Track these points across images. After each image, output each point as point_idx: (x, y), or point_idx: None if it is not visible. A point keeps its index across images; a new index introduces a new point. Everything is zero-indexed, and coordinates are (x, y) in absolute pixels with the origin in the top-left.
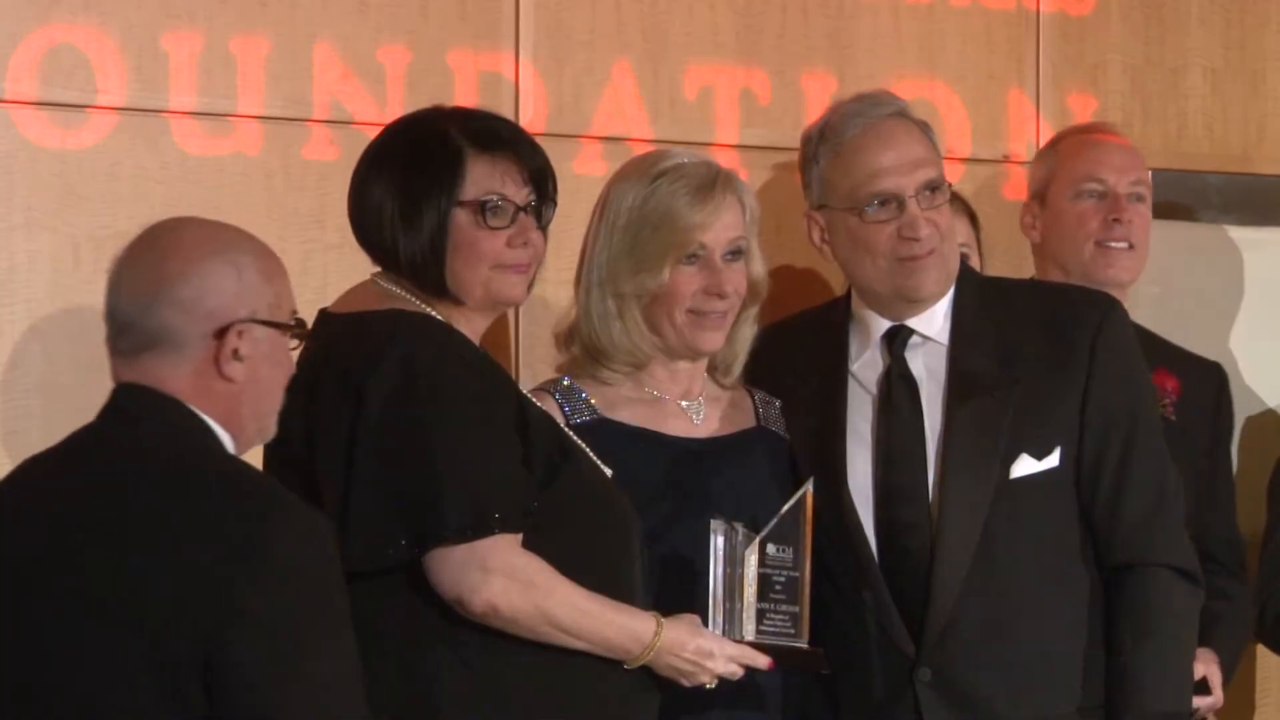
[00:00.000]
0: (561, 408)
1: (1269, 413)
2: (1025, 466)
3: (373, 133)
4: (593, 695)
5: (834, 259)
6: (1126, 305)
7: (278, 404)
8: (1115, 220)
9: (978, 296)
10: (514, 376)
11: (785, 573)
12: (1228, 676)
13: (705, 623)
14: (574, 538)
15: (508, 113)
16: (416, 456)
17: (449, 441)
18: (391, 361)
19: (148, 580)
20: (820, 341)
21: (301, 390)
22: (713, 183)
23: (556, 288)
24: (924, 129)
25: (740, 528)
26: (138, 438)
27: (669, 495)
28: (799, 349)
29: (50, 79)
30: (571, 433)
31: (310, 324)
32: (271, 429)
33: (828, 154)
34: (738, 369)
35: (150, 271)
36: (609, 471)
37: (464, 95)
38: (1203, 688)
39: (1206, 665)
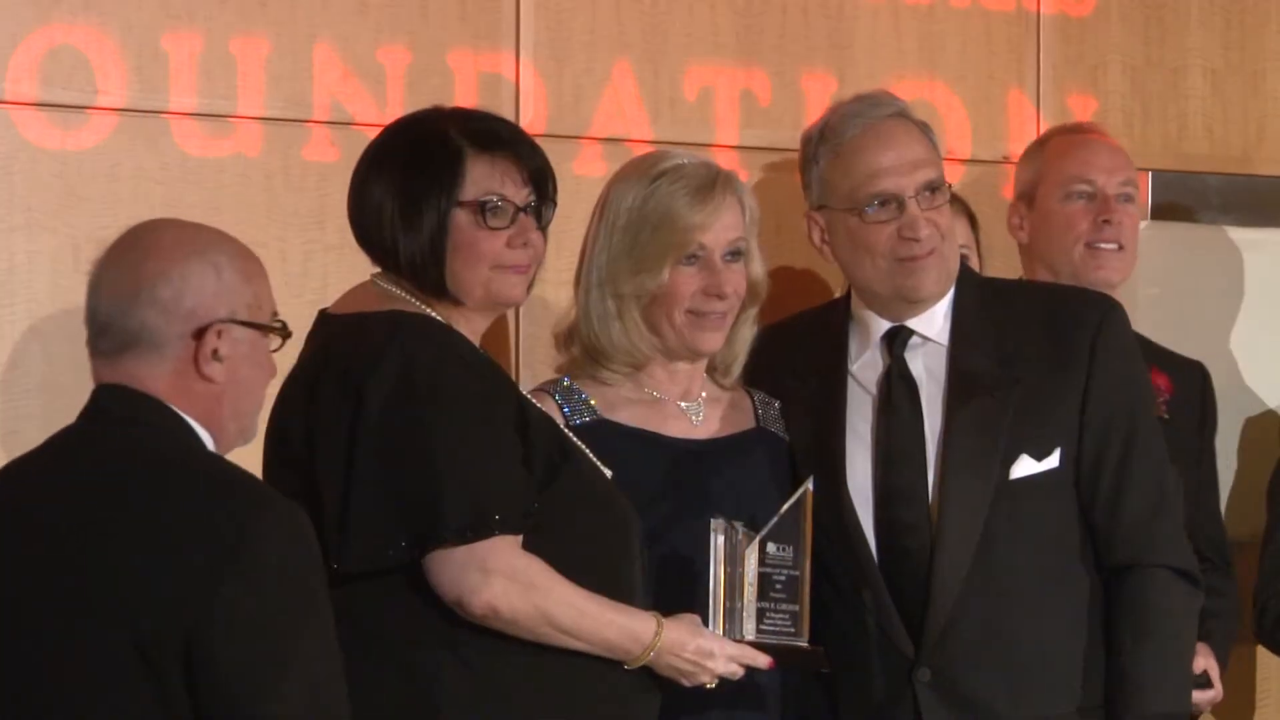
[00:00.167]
0: (561, 408)
1: (1269, 413)
2: (1025, 467)
3: (373, 133)
4: (593, 695)
5: (834, 259)
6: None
7: (259, 404)
8: (1105, 222)
9: (978, 297)
10: (514, 377)
11: (785, 572)
12: (1221, 672)
13: (705, 622)
14: (574, 538)
15: (508, 113)
16: (416, 457)
17: (449, 442)
18: (391, 362)
19: (135, 579)
20: (820, 342)
21: (301, 390)
22: (712, 183)
23: (556, 288)
24: (924, 129)
25: (740, 527)
26: (121, 438)
27: (668, 496)
28: (798, 349)
29: (50, 80)
30: (571, 433)
31: (310, 324)
32: (253, 430)
33: (828, 154)
34: (737, 370)
35: (130, 272)
36: (609, 472)
37: (464, 96)
38: (1203, 682)
39: (1206, 659)
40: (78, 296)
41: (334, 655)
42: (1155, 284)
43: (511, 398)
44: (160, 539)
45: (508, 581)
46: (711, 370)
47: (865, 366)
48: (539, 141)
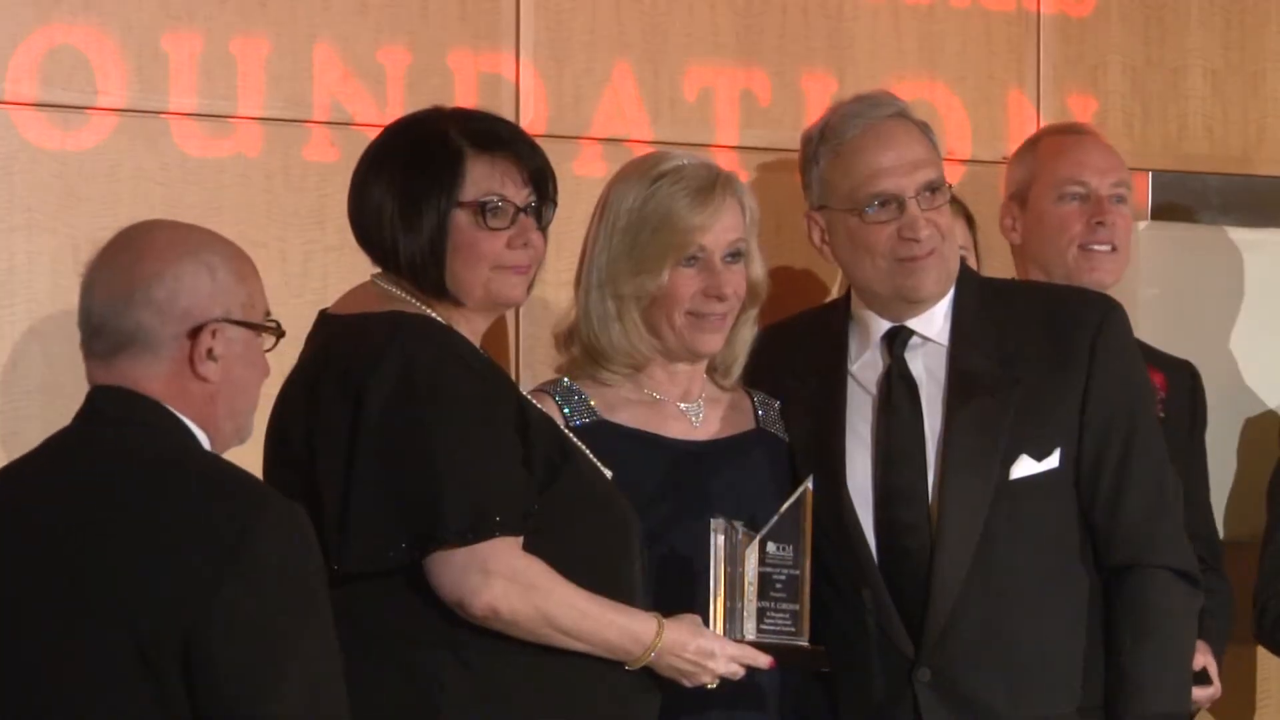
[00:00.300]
0: (561, 409)
1: (1269, 413)
2: (1025, 467)
3: (373, 134)
4: (593, 696)
5: (834, 259)
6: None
7: (254, 404)
8: (1099, 223)
9: (978, 297)
10: (514, 377)
11: (785, 571)
12: (1218, 668)
13: (706, 622)
14: (574, 539)
15: (508, 114)
16: (417, 458)
17: (449, 443)
18: (391, 363)
19: (134, 579)
20: (820, 342)
21: (302, 391)
22: (713, 185)
23: (556, 289)
24: (924, 130)
25: (740, 526)
26: (118, 439)
27: (668, 497)
28: (798, 350)
29: (50, 80)
30: (571, 434)
31: (311, 324)
32: (248, 429)
33: (828, 154)
34: (737, 370)
35: (123, 273)
36: (609, 473)
37: (464, 96)
38: (1202, 678)
39: (1204, 656)
40: (77, 297)
41: (334, 655)
42: (1155, 284)
43: (512, 398)
44: (159, 539)
45: (508, 583)
46: (711, 371)
47: (865, 366)
48: (539, 142)
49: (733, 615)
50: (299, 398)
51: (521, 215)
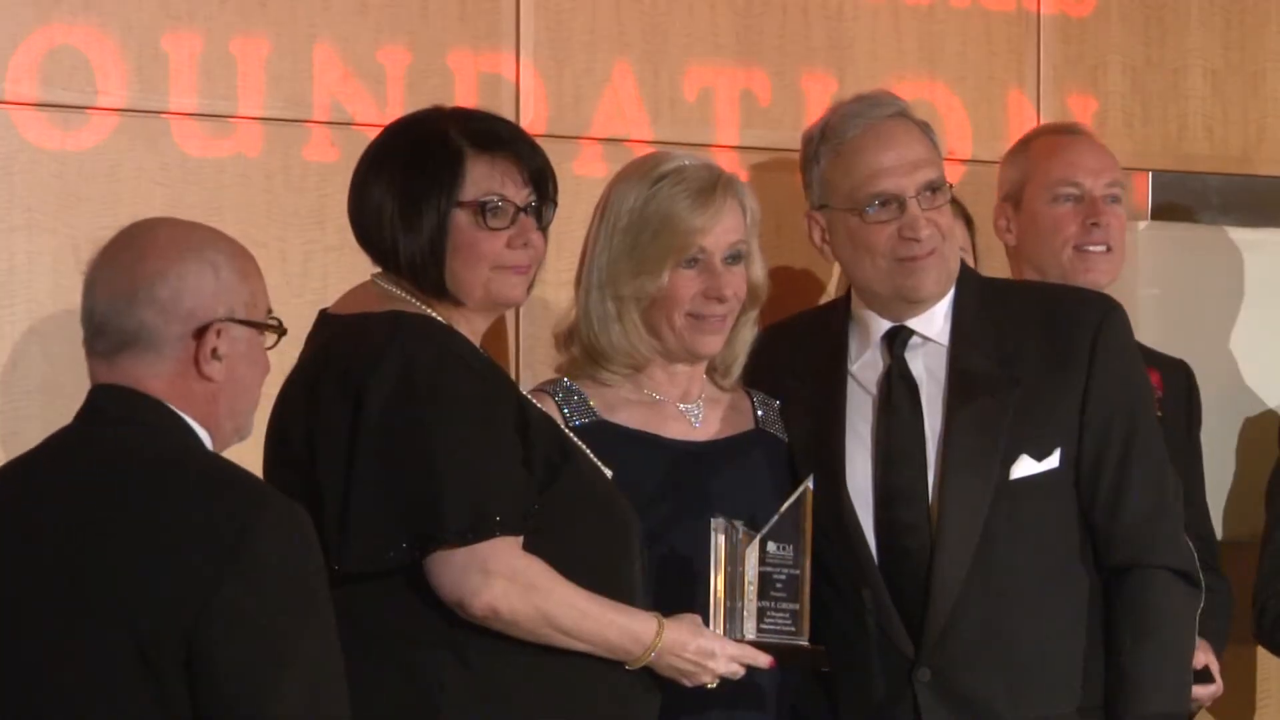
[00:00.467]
0: (560, 409)
1: (1269, 413)
2: (1025, 467)
3: (373, 134)
4: (593, 696)
5: (834, 259)
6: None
7: (255, 402)
8: (1093, 224)
9: (978, 297)
10: (514, 377)
11: (786, 570)
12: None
13: (706, 622)
14: (574, 539)
15: (508, 114)
16: (417, 458)
17: (449, 443)
18: (391, 363)
19: (134, 579)
20: (820, 342)
21: (302, 391)
22: (713, 186)
23: (556, 289)
24: (924, 129)
25: (740, 526)
26: (119, 438)
27: (667, 497)
28: (798, 350)
29: (50, 80)
30: (571, 434)
31: (310, 324)
32: (248, 427)
33: (828, 154)
34: (737, 371)
35: (127, 272)
36: (609, 472)
37: (464, 96)
38: (1204, 676)
39: (1206, 654)
40: (78, 297)
41: (335, 655)
42: (1155, 284)
43: (512, 398)
44: (160, 539)
45: (508, 583)
46: (711, 371)
47: (865, 366)
48: (539, 142)
49: (733, 615)
50: (299, 398)
51: (521, 215)
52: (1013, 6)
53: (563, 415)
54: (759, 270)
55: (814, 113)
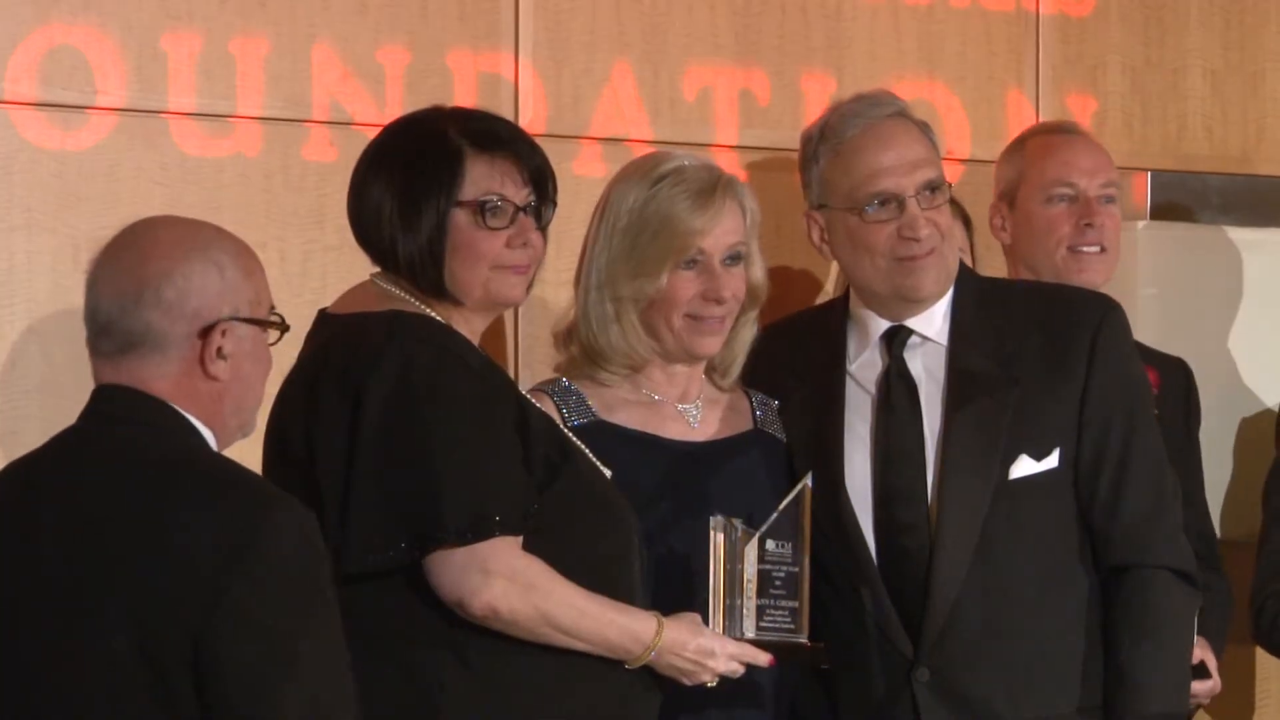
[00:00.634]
0: (559, 409)
1: (1267, 412)
2: (1024, 467)
3: (372, 133)
4: (593, 695)
5: (833, 259)
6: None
7: (259, 400)
8: (1087, 225)
9: (976, 297)
10: (513, 377)
11: (785, 568)
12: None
13: (705, 621)
14: (574, 538)
15: (507, 113)
16: (416, 458)
17: (448, 443)
18: (391, 362)
19: (139, 580)
20: (819, 342)
21: (301, 390)
22: (713, 187)
23: (556, 289)
24: (924, 129)
25: (739, 524)
26: (124, 439)
27: (666, 497)
28: (797, 349)
29: (50, 79)
30: (570, 433)
31: (310, 324)
32: (252, 425)
33: (827, 154)
34: (736, 371)
35: (130, 272)
36: (608, 472)
37: (463, 96)
38: (1201, 672)
39: (1203, 651)
40: (77, 297)
41: (341, 656)
42: (1155, 284)
43: (511, 398)
44: (165, 540)
45: (508, 582)
46: (710, 372)
47: (864, 366)
48: (538, 141)
49: (732, 613)
50: (298, 397)
51: (521, 215)
52: (1012, 6)
53: (561, 415)
54: (758, 271)
55: (813, 113)
